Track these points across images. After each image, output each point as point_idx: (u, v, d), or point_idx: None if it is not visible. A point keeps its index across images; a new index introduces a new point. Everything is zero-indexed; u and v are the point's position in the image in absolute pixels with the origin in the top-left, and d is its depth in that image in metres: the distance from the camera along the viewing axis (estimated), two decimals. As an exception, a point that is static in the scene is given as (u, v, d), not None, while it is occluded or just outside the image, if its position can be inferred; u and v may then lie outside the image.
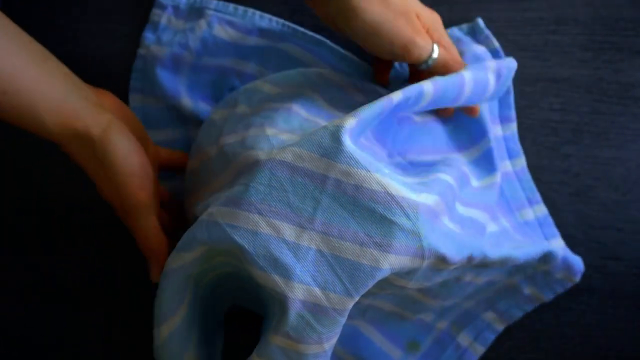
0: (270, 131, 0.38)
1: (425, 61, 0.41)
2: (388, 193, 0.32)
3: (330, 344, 0.33)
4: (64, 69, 0.40)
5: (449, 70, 0.42)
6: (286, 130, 0.38)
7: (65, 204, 0.49)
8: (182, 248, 0.35)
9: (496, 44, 0.49)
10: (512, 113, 0.49)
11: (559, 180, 0.49)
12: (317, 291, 0.32)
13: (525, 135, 0.50)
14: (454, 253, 0.34)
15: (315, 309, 0.32)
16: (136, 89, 0.50)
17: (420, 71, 0.44)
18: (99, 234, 0.49)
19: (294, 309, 0.32)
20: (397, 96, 0.35)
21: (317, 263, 0.32)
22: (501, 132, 0.49)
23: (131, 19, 0.51)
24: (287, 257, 0.32)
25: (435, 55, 0.41)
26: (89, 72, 0.50)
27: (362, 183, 0.32)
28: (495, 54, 0.49)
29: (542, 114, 0.50)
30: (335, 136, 0.33)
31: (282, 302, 0.32)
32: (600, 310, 0.48)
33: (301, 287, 0.32)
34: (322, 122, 0.39)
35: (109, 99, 0.42)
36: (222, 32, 0.49)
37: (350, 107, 0.41)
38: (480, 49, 0.48)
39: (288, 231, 0.32)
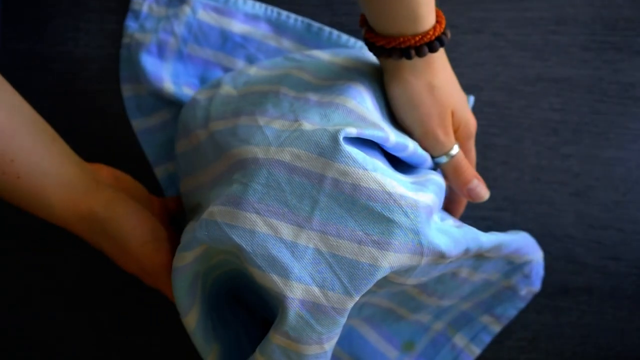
0: (262, 120, 0.37)
1: (439, 156, 0.41)
2: (386, 191, 0.32)
3: (330, 344, 0.33)
4: (69, 150, 0.41)
5: (457, 176, 0.41)
6: (277, 116, 0.37)
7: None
8: (183, 248, 0.35)
9: None
10: None
11: (559, 180, 0.49)
12: (316, 290, 0.32)
13: (525, 135, 0.50)
14: (452, 248, 0.34)
15: (314, 309, 0.32)
16: (125, 78, 0.50)
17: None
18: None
19: (293, 309, 0.32)
20: (392, 139, 0.36)
21: (315, 262, 0.32)
22: None
23: (131, 19, 0.51)
24: (285, 257, 0.32)
25: (453, 152, 0.40)
26: (89, 72, 0.50)
27: (359, 182, 0.32)
28: None
29: (542, 114, 0.50)
30: (334, 137, 0.33)
31: (281, 302, 0.32)
32: (600, 310, 0.48)
33: (300, 286, 0.32)
34: (313, 97, 0.38)
35: (105, 171, 0.43)
36: (207, 16, 0.49)
37: (339, 78, 0.40)
38: None
39: (286, 230, 0.32)
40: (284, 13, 0.50)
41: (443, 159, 0.41)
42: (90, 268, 0.48)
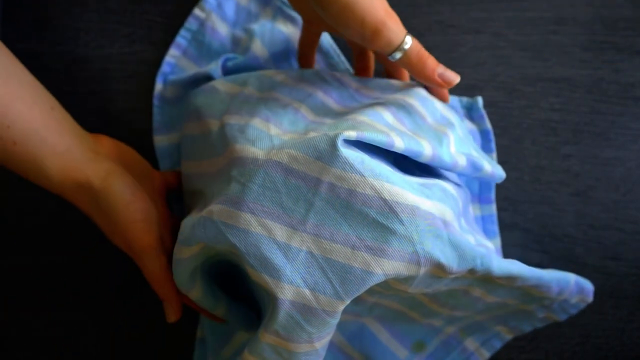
0: (274, 130, 0.37)
1: (396, 49, 0.38)
2: (382, 198, 0.32)
3: (321, 343, 0.33)
4: (69, 118, 0.41)
5: (422, 63, 0.39)
6: (291, 131, 0.38)
7: (64, 203, 0.49)
8: (182, 242, 0.36)
9: (488, 125, 0.48)
10: (492, 195, 0.48)
11: (559, 180, 0.49)
12: (307, 293, 0.32)
13: (525, 135, 0.50)
14: (453, 262, 0.34)
15: (305, 310, 0.32)
16: (180, 46, 0.50)
17: (393, 65, 0.42)
18: (98, 233, 0.49)
19: (283, 309, 0.32)
20: (399, 143, 0.35)
21: (307, 264, 0.32)
22: (480, 212, 0.49)
23: (131, 19, 0.51)
24: (277, 258, 0.32)
25: (407, 46, 0.37)
26: (89, 72, 0.50)
27: (355, 187, 0.32)
28: (485, 135, 0.49)
29: (542, 114, 0.50)
30: (332, 141, 0.32)
31: (272, 301, 0.32)
32: (600, 310, 0.48)
33: (291, 288, 0.32)
34: (329, 121, 0.38)
35: (106, 143, 0.43)
36: (282, 25, 0.49)
37: (361, 107, 0.40)
38: (470, 126, 0.48)
39: (279, 232, 0.32)
40: (338, 51, 0.50)
41: (400, 52, 0.38)
42: (91, 268, 0.49)
